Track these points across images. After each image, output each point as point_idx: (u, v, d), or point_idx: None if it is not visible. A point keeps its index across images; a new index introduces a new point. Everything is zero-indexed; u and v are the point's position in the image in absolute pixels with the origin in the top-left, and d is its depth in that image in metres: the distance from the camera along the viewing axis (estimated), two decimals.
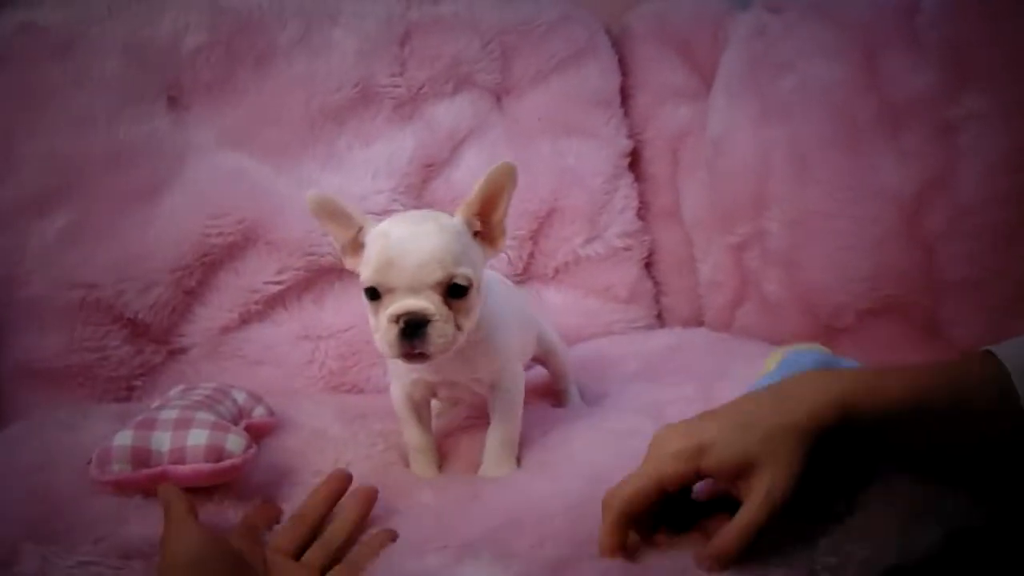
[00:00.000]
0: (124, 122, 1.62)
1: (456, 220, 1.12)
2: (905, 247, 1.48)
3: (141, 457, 1.10)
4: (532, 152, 1.89)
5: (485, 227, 1.14)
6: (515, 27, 1.92)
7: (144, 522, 1.06)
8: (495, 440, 1.23)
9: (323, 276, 1.69)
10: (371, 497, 1.10)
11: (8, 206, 1.56)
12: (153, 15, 1.67)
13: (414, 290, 1.06)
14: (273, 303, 1.67)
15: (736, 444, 0.88)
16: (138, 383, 1.61)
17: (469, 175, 1.80)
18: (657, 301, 2.00)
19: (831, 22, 1.67)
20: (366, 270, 1.08)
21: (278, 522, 1.10)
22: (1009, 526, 0.97)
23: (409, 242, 1.07)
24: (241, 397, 1.33)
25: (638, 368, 1.61)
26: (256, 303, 1.65)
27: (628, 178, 1.99)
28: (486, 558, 0.95)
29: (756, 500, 0.86)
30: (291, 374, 1.65)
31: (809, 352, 1.29)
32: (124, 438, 1.11)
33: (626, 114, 2.02)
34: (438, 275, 1.05)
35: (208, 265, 1.63)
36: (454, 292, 1.07)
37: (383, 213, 1.63)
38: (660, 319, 2.00)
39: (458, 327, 1.08)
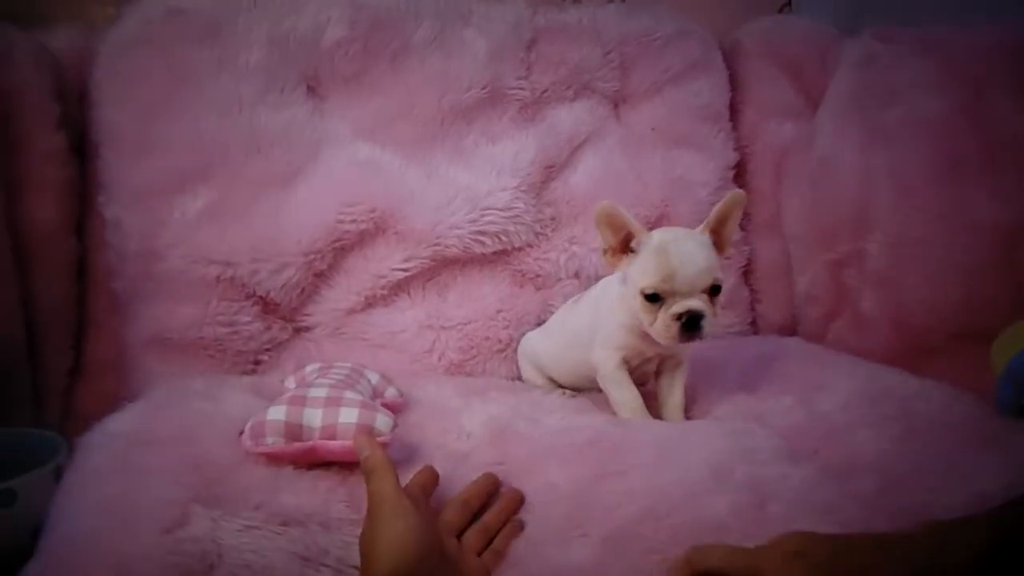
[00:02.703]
0: (265, 108, 1.67)
1: (706, 236, 1.34)
2: (998, 278, 1.51)
3: (293, 432, 1.15)
4: (644, 160, 1.92)
5: (716, 239, 1.36)
6: (635, 38, 1.94)
7: (296, 491, 1.12)
8: (679, 395, 1.47)
9: (447, 267, 1.73)
10: (519, 499, 1.15)
11: (152, 183, 1.61)
12: (296, 7, 1.73)
13: (690, 294, 1.29)
14: (398, 290, 1.71)
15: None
16: (264, 357, 1.65)
17: (586, 178, 1.85)
18: (752, 308, 2.01)
19: (940, 58, 1.70)
20: (647, 278, 1.30)
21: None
22: None
23: (687, 256, 1.29)
24: (375, 378, 1.39)
25: (737, 375, 1.60)
26: (382, 288, 1.69)
27: (732, 189, 1.95)
28: (634, 552, 1.01)
29: None
30: (412, 359, 1.68)
31: None
32: (278, 413, 1.16)
33: (733, 127, 2.03)
34: (707, 281, 1.29)
35: (339, 250, 1.66)
36: (713, 291, 1.31)
37: (505, 209, 1.73)
38: (754, 325, 2.01)
39: (714, 316, 1.31)
